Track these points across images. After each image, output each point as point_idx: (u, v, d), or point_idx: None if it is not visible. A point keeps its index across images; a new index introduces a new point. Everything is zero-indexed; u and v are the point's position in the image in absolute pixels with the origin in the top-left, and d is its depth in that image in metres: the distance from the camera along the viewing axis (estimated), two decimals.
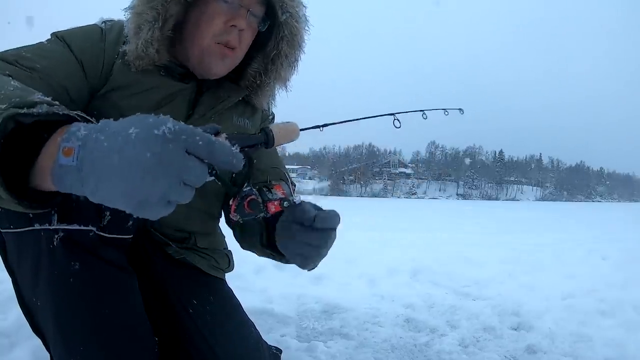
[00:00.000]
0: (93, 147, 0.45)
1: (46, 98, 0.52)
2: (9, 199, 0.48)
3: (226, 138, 0.53)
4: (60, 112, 0.49)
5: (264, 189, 0.65)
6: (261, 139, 0.62)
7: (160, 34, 0.82)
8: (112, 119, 0.48)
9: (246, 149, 0.59)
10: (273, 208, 0.64)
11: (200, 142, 0.45)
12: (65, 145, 0.46)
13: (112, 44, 0.85)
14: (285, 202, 0.65)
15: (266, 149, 0.64)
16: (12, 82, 0.56)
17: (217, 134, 0.52)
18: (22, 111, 0.47)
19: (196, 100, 0.91)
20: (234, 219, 0.63)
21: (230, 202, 0.62)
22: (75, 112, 0.71)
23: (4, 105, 0.48)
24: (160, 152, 0.43)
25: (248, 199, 0.62)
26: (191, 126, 0.46)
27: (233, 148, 0.49)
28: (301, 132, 0.73)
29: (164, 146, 0.43)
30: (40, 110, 0.48)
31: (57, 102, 0.52)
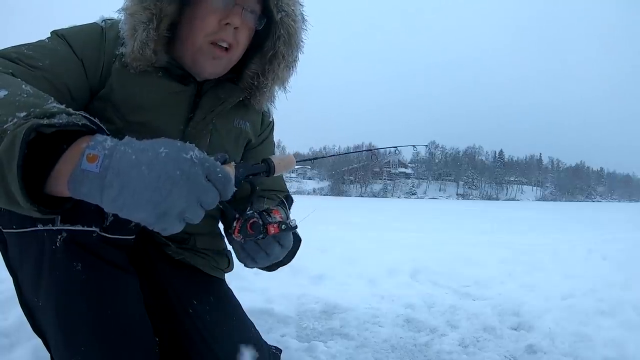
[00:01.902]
0: (120, 158, 0.48)
1: (61, 106, 0.54)
2: (28, 207, 0.49)
3: (235, 166, 0.60)
4: (80, 123, 0.52)
5: (264, 213, 0.73)
6: (263, 169, 0.69)
7: (156, 34, 0.81)
8: (135, 138, 0.52)
9: (250, 177, 0.65)
10: (272, 230, 0.71)
11: (220, 175, 0.52)
12: (90, 152, 0.49)
13: (111, 44, 0.84)
14: (283, 225, 0.72)
15: (267, 177, 0.70)
16: (23, 87, 0.57)
17: (225, 162, 0.59)
18: (44, 122, 0.48)
19: (196, 103, 0.91)
20: (237, 239, 0.69)
21: (234, 224, 0.69)
22: (80, 113, 0.71)
23: (24, 114, 0.49)
24: (189, 172, 0.49)
25: (251, 221, 0.69)
26: (212, 158, 0.53)
27: (239, 175, 0.60)
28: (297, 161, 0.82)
29: (191, 168, 0.49)
30: (60, 121, 0.50)
31: (73, 110, 0.54)
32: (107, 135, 0.74)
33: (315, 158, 0.85)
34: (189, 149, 0.51)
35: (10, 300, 1.35)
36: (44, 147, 0.49)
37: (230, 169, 0.58)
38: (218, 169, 0.52)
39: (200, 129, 0.90)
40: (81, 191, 0.49)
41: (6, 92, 0.54)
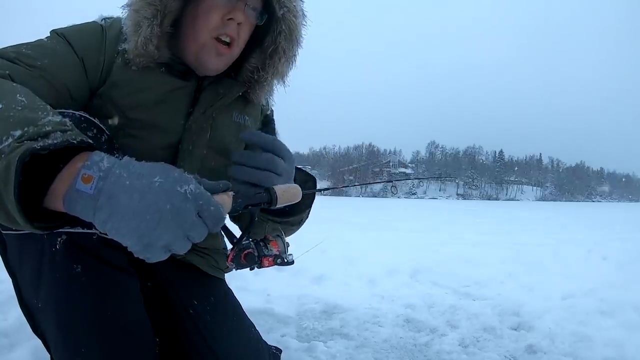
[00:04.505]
0: (114, 182, 0.48)
1: (57, 118, 0.53)
2: (28, 227, 0.49)
3: (233, 196, 0.58)
4: (75, 140, 0.51)
5: (261, 243, 0.71)
6: (265, 199, 0.66)
7: (160, 31, 0.81)
8: (134, 159, 0.51)
9: (250, 207, 0.63)
10: (267, 263, 0.70)
11: (212, 216, 0.51)
12: (85, 172, 0.48)
13: (112, 43, 0.84)
14: (279, 260, 0.71)
15: (269, 208, 0.68)
16: (18, 97, 0.56)
17: (226, 190, 0.58)
18: (38, 146, 0.48)
19: (196, 98, 0.91)
20: (230, 267, 0.69)
21: (229, 251, 0.68)
22: (80, 113, 0.71)
23: (18, 133, 0.49)
24: (179, 207, 0.48)
25: (245, 251, 0.68)
26: (209, 194, 0.52)
27: (237, 205, 0.58)
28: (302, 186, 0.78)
29: (182, 203, 0.48)
30: (55, 141, 0.49)
31: (69, 126, 0.53)
32: (107, 135, 0.74)
33: (327, 189, 0.79)
34: (185, 181, 0.50)
35: (10, 300, 1.35)
36: (41, 163, 0.49)
37: (227, 199, 0.57)
38: (212, 207, 0.51)
39: (201, 123, 0.90)
40: (75, 209, 0.49)
41: (0, 106, 0.53)
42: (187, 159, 0.88)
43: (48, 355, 0.76)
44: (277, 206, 0.67)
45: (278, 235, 0.75)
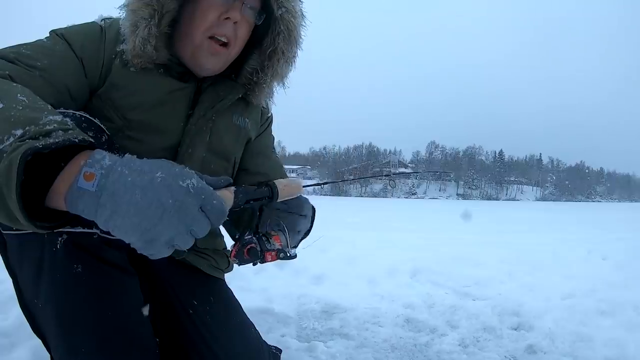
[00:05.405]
0: (116, 179, 0.48)
1: (58, 117, 0.53)
2: (30, 227, 0.49)
3: (234, 191, 0.59)
4: (77, 139, 0.51)
5: (264, 238, 0.71)
6: (266, 194, 0.66)
7: (158, 31, 0.81)
8: (135, 156, 0.51)
9: (251, 202, 0.63)
10: (270, 258, 0.71)
11: (215, 210, 0.51)
12: (87, 170, 0.48)
13: (111, 43, 0.84)
14: (282, 254, 0.72)
15: (270, 203, 0.68)
16: (19, 96, 0.56)
17: (227, 186, 0.58)
18: (40, 144, 0.48)
19: (196, 100, 0.91)
20: (233, 262, 0.68)
21: (231, 247, 0.68)
22: (81, 113, 0.71)
23: (19, 131, 0.49)
24: (182, 202, 0.48)
25: (248, 246, 0.68)
26: (211, 188, 0.52)
27: (238, 200, 0.59)
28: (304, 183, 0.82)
29: (185, 198, 0.49)
30: (57, 140, 0.49)
31: (70, 125, 0.53)
32: (107, 135, 0.74)
33: (326, 182, 0.81)
34: (187, 176, 0.50)
35: (10, 300, 1.35)
36: (42, 162, 0.49)
37: (229, 194, 0.57)
38: (214, 201, 0.51)
39: (200, 125, 0.90)
40: (78, 208, 0.49)
41: (1, 106, 0.53)
42: (187, 161, 0.88)
43: (48, 355, 0.76)
44: (278, 200, 0.67)
45: (280, 230, 0.75)
